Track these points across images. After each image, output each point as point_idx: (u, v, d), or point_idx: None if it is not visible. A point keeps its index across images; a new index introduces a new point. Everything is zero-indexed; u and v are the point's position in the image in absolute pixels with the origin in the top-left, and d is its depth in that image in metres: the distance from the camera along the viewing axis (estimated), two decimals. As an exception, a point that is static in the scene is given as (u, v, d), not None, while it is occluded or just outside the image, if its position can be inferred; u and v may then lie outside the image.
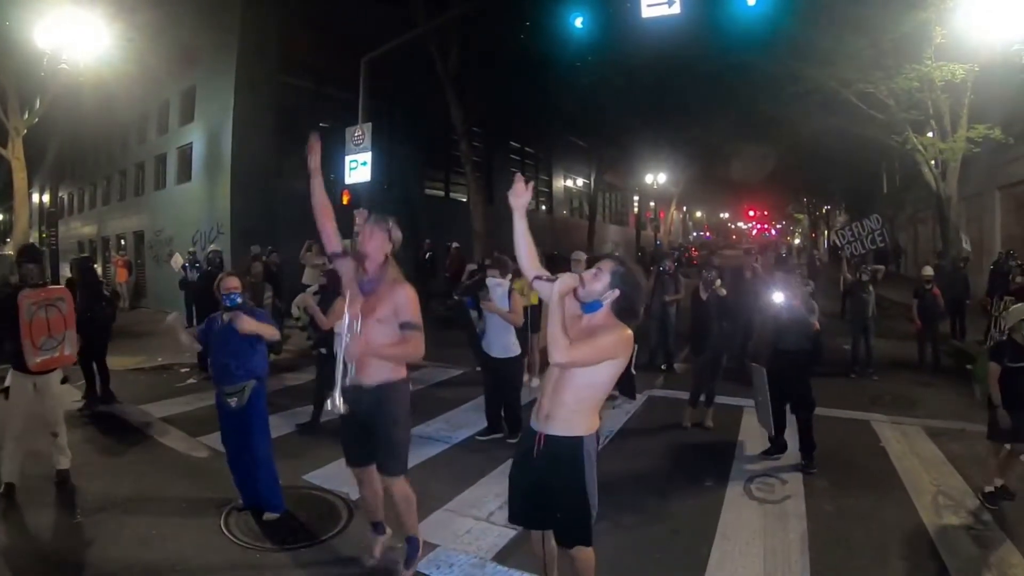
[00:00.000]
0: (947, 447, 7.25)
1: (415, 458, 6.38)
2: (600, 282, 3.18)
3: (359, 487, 4.33)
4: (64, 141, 17.46)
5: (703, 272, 8.27)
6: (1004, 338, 5.81)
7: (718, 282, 8.00)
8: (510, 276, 7.42)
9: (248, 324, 4.91)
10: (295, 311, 9.26)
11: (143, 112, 21.99)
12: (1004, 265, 13.23)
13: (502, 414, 7.53)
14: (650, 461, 6.70)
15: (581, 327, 3.22)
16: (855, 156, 24.32)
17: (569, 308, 3.22)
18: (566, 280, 3.14)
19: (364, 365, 3.83)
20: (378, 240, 3.91)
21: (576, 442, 3.27)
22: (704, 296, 8.00)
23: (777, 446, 6.94)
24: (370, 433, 3.96)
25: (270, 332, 5.09)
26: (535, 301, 10.30)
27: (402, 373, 4.04)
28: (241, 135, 17.45)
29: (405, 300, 3.86)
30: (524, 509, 3.51)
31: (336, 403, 3.62)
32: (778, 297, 7.01)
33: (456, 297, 11.01)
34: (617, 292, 3.19)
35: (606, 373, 3.21)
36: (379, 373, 3.90)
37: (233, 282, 5.11)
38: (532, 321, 10.06)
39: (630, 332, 3.22)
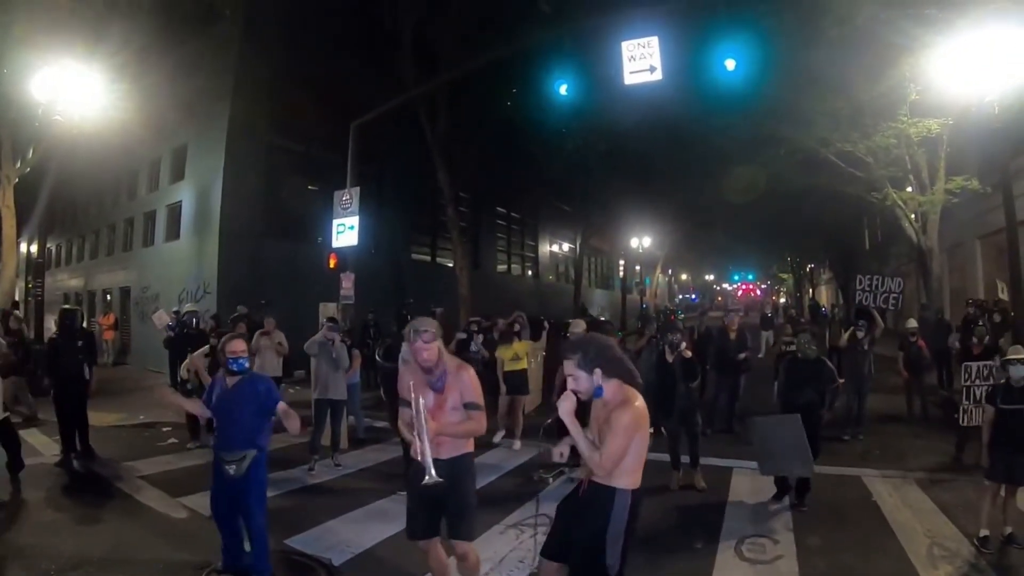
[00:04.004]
0: (939, 497, 7.26)
1: (401, 524, 6.31)
2: (582, 382, 3.51)
3: (427, 559, 4.47)
4: (55, 192, 17.56)
5: (668, 335, 8.27)
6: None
7: (683, 344, 8.04)
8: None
9: (294, 425, 4.88)
10: (184, 374, 9.04)
11: (134, 168, 22.09)
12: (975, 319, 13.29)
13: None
14: (640, 525, 6.56)
15: (600, 409, 3.57)
16: (837, 214, 24.69)
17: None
18: (568, 404, 3.46)
19: (440, 443, 4.11)
20: (432, 351, 4.16)
21: (609, 492, 3.48)
22: (670, 359, 8.01)
23: (783, 489, 7.23)
24: (443, 504, 4.22)
25: (294, 427, 4.93)
26: (525, 366, 10.48)
27: (470, 447, 4.37)
28: (230, 195, 17.54)
29: (469, 383, 4.24)
30: (555, 543, 3.75)
31: (431, 474, 3.82)
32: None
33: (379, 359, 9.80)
34: (600, 370, 3.50)
35: (638, 443, 3.47)
36: (454, 448, 4.22)
37: (239, 345, 4.94)
38: (518, 385, 10.21)
39: (641, 401, 3.49)
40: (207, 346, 9.12)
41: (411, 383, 4.09)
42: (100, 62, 12.73)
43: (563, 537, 3.69)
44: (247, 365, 4.96)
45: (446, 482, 3.93)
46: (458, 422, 4.19)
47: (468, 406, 4.21)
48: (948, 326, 13.87)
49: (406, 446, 7.87)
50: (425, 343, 4.13)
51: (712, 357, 11.41)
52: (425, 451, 3.87)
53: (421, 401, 3.94)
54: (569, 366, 3.54)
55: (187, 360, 9.01)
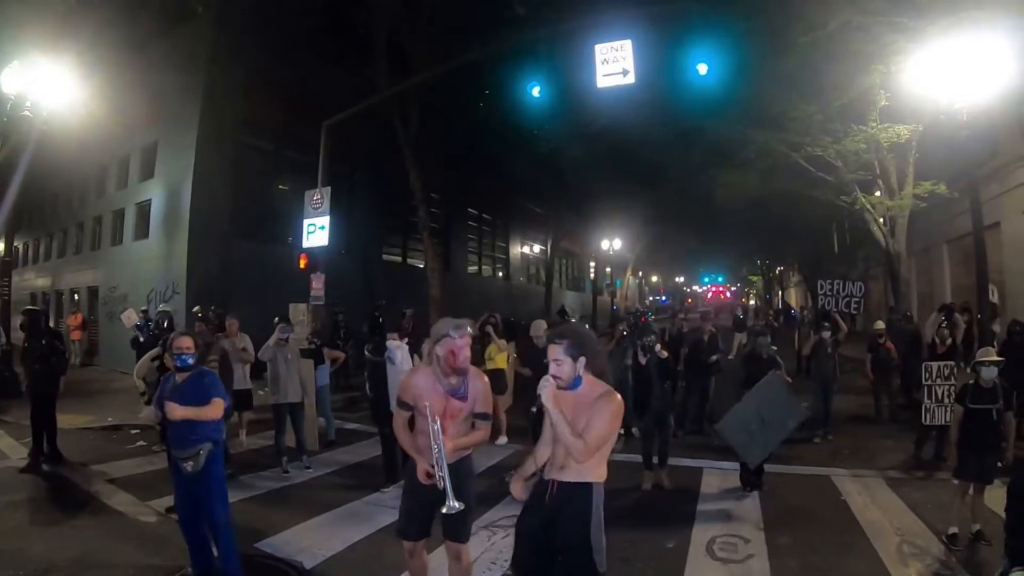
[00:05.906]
0: (908, 496, 7.39)
1: (372, 526, 6.28)
2: (565, 368, 3.45)
3: (408, 560, 4.37)
4: (22, 189, 17.22)
5: (642, 337, 8.32)
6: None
7: (658, 346, 8.12)
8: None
9: (179, 411, 4.72)
10: (138, 384, 8.83)
11: (103, 165, 21.77)
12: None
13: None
14: (611, 525, 6.52)
15: (571, 402, 3.45)
16: (807, 217, 24.89)
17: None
18: (549, 389, 3.39)
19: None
20: (469, 349, 4.02)
21: (586, 488, 3.47)
22: (643, 361, 8.07)
23: (753, 484, 7.58)
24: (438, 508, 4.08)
25: (209, 413, 4.84)
26: (502, 365, 10.48)
27: (471, 450, 4.29)
28: (201, 194, 17.31)
29: (483, 392, 4.13)
30: (528, 557, 3.61)
31: (452, 504, 3.79)
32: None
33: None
34: (584, 360, 3.47)
35: (613, 436, 3.50)
36: (457, 453, 4.08)
37: (185, 342, 4.94)
38: (496, 384, 10.19)
39: (619, 396, 3.49)
40: (156, 350, 8.89)
41: (426, 399, 3.94)
42: (70, 57, 12.48)
43: (538, 550, 3.55)
44: (191, 361, 4.94)
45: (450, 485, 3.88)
46: (466, 433, 4.12)
47: (478, 416, 4.14)
48: (915, 328, 14.07)
49: (387, 442, 7.90)
50: (465, 342, 3.96)
51: (685, 358, 11.49)
52: (445, 478, 3.78)
53: (438, 424, 3.81)
54: (557, 351, 3.46)
55: (138, 368, 8.76)
